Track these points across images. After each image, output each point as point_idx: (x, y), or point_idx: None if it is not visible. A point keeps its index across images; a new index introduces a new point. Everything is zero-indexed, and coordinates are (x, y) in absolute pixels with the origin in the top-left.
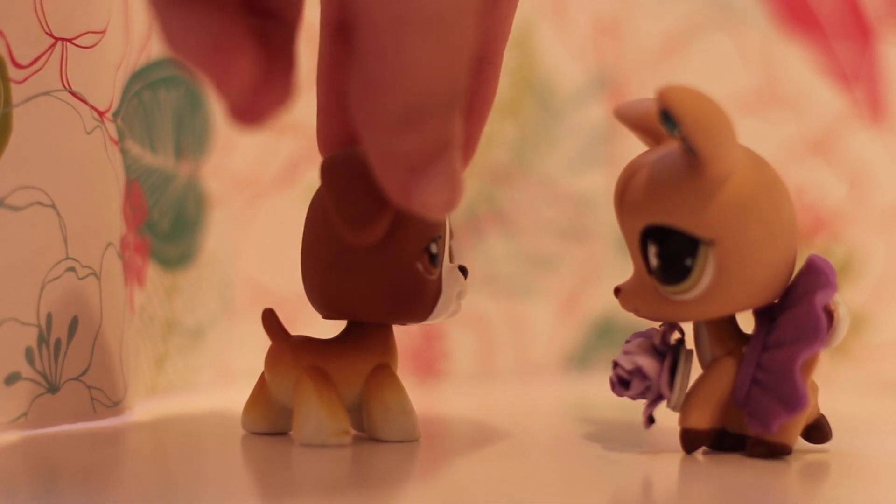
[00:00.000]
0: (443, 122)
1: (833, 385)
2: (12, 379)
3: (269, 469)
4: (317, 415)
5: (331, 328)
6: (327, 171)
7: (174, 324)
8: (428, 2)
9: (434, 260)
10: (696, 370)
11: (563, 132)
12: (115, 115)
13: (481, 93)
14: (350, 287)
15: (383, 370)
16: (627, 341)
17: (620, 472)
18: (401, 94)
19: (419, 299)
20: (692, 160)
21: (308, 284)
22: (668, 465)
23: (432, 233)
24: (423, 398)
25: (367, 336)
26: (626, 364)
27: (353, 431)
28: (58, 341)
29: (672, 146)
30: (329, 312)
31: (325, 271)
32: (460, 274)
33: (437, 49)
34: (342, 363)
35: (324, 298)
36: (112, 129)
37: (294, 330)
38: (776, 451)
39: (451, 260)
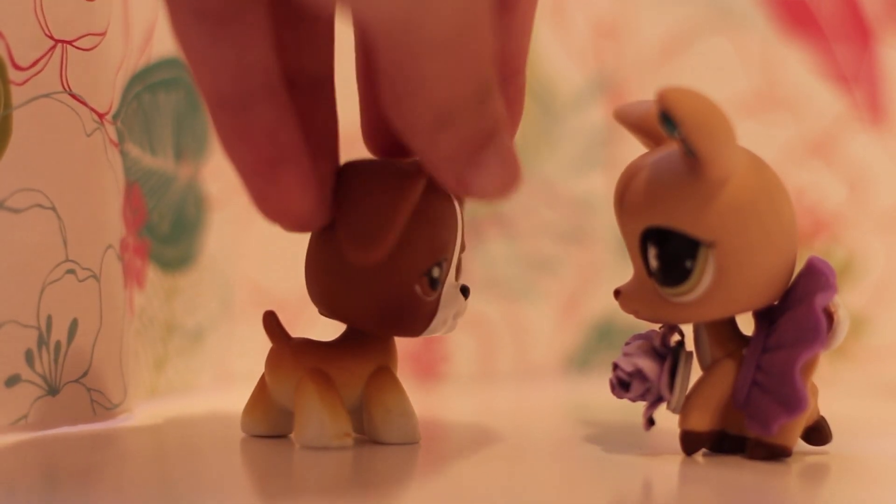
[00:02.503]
0: (478, 115)
1: (833, 387)
2: (12, 381)
3: (269, 472)
4: (319, 417)
5: (331, 331)
6: (343, 178)
7: (174, 326)
8: (435, 29)
9: (434, 283)
10: (695, 372)
11: (562, 135)
12: (115, 117)
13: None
14: (344, 296)
15: (384, 373)
16: (627, 343)
17: (620, 473)
18: (427, 104)
19: (412, 319)
20: (692, 162)
21: (308, 280)
22: (668, 467)
23: (436, 257)
24: (424, 401)
25: (367, 339)
26: (626, 366)
27: (354, 434)
28: (58, 343)
29: (672, 148)
30: (324, 312)
31: (323, 273)
32: (460, 295)
33: (453, 64)
34: (343, 365)
35: (319, 298)
36: (112, 131)
37: (295, 332)
38: (776, 453)
39: (458, 274)
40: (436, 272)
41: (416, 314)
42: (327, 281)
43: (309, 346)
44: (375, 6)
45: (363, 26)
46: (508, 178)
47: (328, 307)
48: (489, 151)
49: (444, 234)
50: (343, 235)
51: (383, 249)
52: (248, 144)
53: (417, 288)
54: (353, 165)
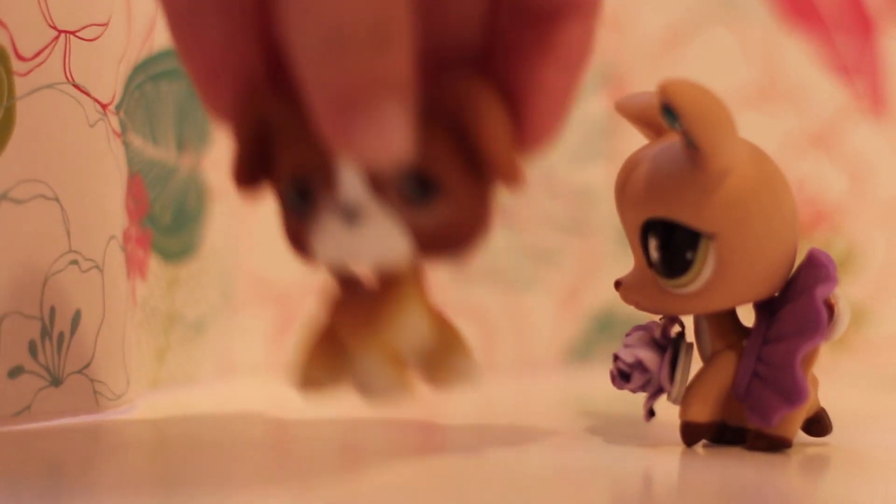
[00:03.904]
0: (370, 54)
1: (833, 378)
2: (15, 372)
3: (270, 462)
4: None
5: None
6: None
7: (175, 317)
8: None
9: (296, 206)
10: (696, 363)
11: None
12: (118, 107)
13: (557, 44)
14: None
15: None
16: (628, 334)
17: (621, 464)
18: (321, 21)
19: (295, 246)
20: (693, 154)
21: None
22: (668, 458)
23: (284, 175)
24: (424, 391)
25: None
26: (627, 357)
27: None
28: (61, 334)
29: (673, 140)
30: None
31: None
32: (336, 223)
33: None
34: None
35: None
36: (115, 121)
37: (296, 323)
38: (776, 445)
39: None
40: (291, 192)
41: (296, 241)
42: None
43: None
44: None
45: None
46: (388, 146)
47: None
48: (381, 109)
49: (295, 148)
50: None
51: (234, 177)
52: (201, 51)
53: (289, 210)
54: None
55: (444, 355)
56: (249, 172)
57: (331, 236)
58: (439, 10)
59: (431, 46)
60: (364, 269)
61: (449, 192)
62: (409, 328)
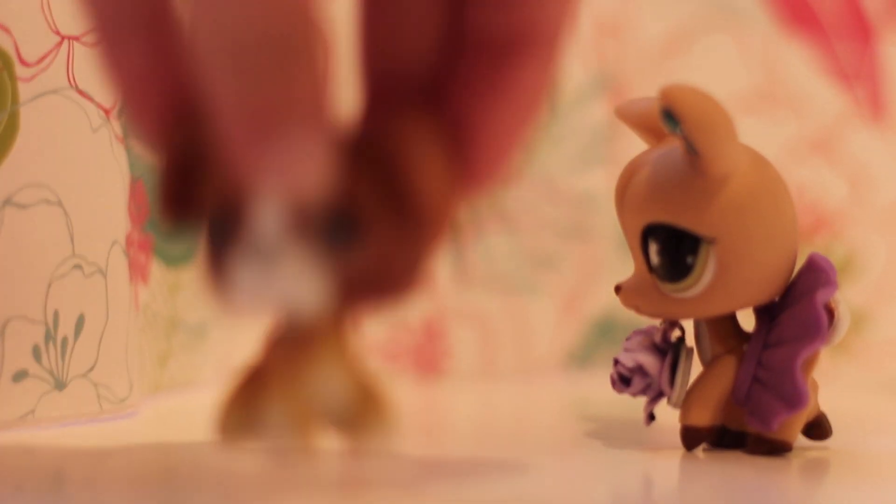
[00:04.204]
0: (278, 70)
1: (833, 383)
2: (20, 376)
3: (272, 466)
4: None
5: None
6: None
7: (177, 321)
8: None
9: (219, 239)
10: (696, 368)
11: (564, 131)
12: (121, 113)
13: (511, 81)
14: None
15: None
16: (628, 339)
17: (621, 469)
18: (225, 31)
19: (210, 284)
20: (694, 159)
21: None
22: (668, 463)
23: (212, 204)
24: (424, 396)
25: None
26: (627, 362)
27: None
28: (65, 339)
29: (673, 145)
30: None
31: None
32: (250, 257)
33: None
34: None
35: None
36: (117, 126)
37: None
38: (776, 449)
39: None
40: (213, 228)
41: (214, 282)
42: None
43: None
44: None
45: None
46: (304, 178)
47: None
48: (292, 135)
49: (217, 180)
50: None
51: (161, 211)
52: (124, 71)
53: (209, 247)
54: None
55: (359, 416)
56: (177, 205)
57: (245, 278)
58: (388, 38)
59: (376, 75)
60: (280, 316)
61: (372, 235)
62: (319, 386)
